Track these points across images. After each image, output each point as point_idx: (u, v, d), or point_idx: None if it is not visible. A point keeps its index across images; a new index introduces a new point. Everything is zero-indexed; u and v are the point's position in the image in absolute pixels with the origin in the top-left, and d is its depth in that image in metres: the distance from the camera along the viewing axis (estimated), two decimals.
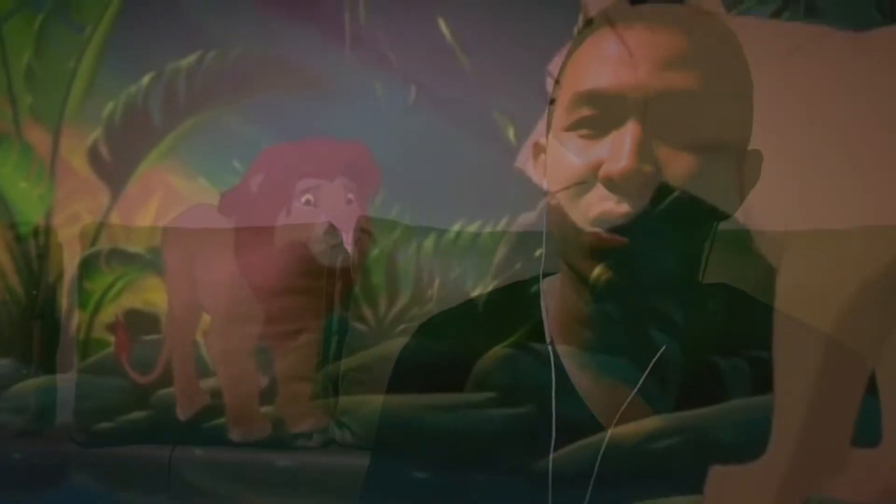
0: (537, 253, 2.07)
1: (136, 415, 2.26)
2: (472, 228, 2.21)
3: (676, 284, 1.76)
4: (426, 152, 2.33)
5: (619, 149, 1.43)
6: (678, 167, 1.47)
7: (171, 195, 2.42)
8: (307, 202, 2.26)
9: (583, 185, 1.50)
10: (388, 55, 2.39)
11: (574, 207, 1.51)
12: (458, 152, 2.33)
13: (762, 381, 1.79)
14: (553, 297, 1.67)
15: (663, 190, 1.62)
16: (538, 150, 1.60)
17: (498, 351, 2.08)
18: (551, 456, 1.75)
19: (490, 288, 2.10)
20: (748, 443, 1.78)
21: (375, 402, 2.13)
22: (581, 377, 1.68)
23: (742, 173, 1.52)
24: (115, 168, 2.51)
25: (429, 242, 2.26)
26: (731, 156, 1.51)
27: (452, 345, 2.12)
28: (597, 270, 1.75)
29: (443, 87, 2.38)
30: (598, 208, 1.48)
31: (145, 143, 2.50)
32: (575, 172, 1.50)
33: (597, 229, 1.50)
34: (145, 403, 2.27)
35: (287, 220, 2.27)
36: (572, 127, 1.50)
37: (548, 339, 1.65)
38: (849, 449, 1.75)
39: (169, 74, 2.50)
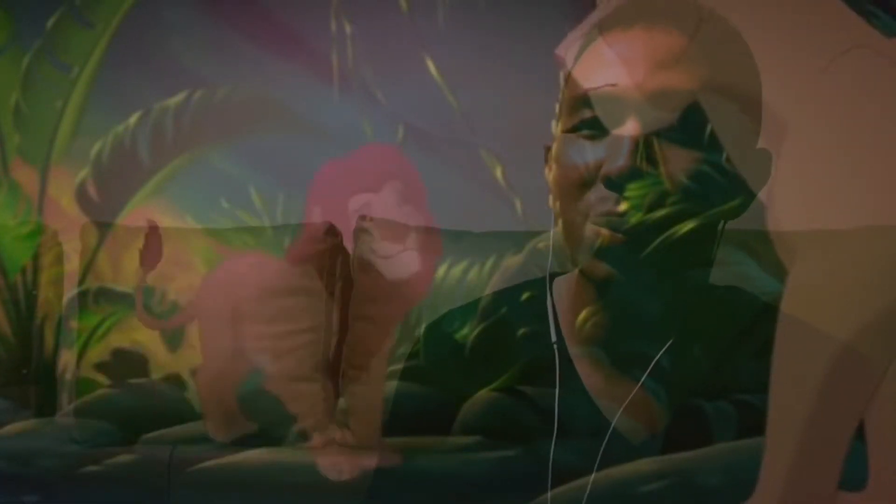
0: (524, 296, 2.08)
1: (124, 458, 2.26)
2: (459, 269, 2.21)
3: (661, 328, 1.77)
4: None
5: (618, 148, 1.44)
6: (677, 165, 1.47)
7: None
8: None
9: (584, 185, 1.52)
10: (376, 94, 2.39)
11: (577, 207, 1.52)
12: (446, 191, 2.33)
13: (748, 424, 1.79)
14: (564, 297, 1.67)
15: (649, 232, 1.62)
16: (547, 152, 1.62)
17: (484, 394, 2.09)
18: (553, 448, 1.75)
19: (476, 331, 2.10)
20: (734, 486, 1.78)
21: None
22: (591, 373, 1.69)
23: (749, 171, 1.53)
24: (102, 207, 2.50)
25: None
26: (734, 153, 1.51)
27: (439, 388, 2.12)
28: (583, 314, 1.76)
29: (431, 126, 2.37)
30: (599, 208, 1.49)
31: (133, 182, 2.49)
32: (577, 173, 1.51)
33: (599, 228, 1.51)
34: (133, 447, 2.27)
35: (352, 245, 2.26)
36: (575, 128, 1.52)
37: (553, 338, 1.66)
38: (836, 492, 1.75)
39: (156, 114, 2.50)
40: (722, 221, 1.60)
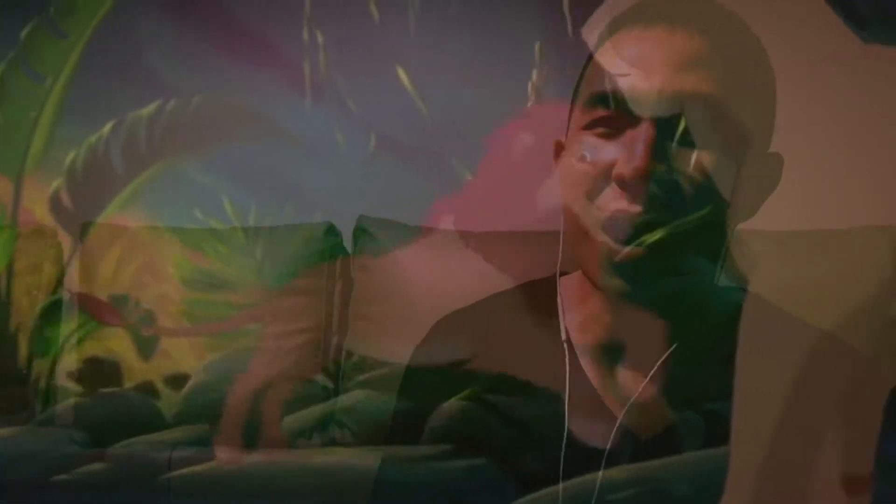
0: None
1: (95, 467, 2.25)
2: None
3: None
4: (387, 201, 2.34)
5: (632, 148, 1.43)
6: (692, 168, 1.46)
7: (133, 243, 2.42)
8: None
9: (597, 183, 1.50)
10: (349, 103, 2.40)
11: (587, 206, 1.50)
12: (418, 200, 2.34)
13: (716, 433, 1.80)
14: (572, 296, 1.66)
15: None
16: (559, 147, 1.60)
17: (453, 403, 2.09)
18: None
19: None
20: (703, 495, 1.78)
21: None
22: (596, 371, 1.68)
23: (760, 176, 1.52)
24: (77, 216, 2.51)
25: None
26: (747, 157, 1.51)
27: (407, 397, 2.12)
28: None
29: (402, 135, 2.39)
30: (611, 208, 1.47)
31: (107, 191, 2.51)
32: (590, 171, 1.50)
33: (610, 241, 1.49)
34: (103, 456, 2.27)
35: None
36: (589, 126, 1.49)
37: (563, 337, 1.64)
38: (805, 501, 1.76)
39: (130, 123, 2.51)
40: (732, 225, 1.59)
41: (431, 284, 2.20)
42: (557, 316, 1.65)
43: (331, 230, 2.34)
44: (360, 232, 2.29)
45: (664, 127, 1.42)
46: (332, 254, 2.32)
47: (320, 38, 2.42)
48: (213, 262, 2.36)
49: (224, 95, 2.48)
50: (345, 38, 2.42)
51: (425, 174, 2.35)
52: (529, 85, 2.22)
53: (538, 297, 1.71)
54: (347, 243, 2.33)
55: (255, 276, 2.33)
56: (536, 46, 2.25)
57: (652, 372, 1.62)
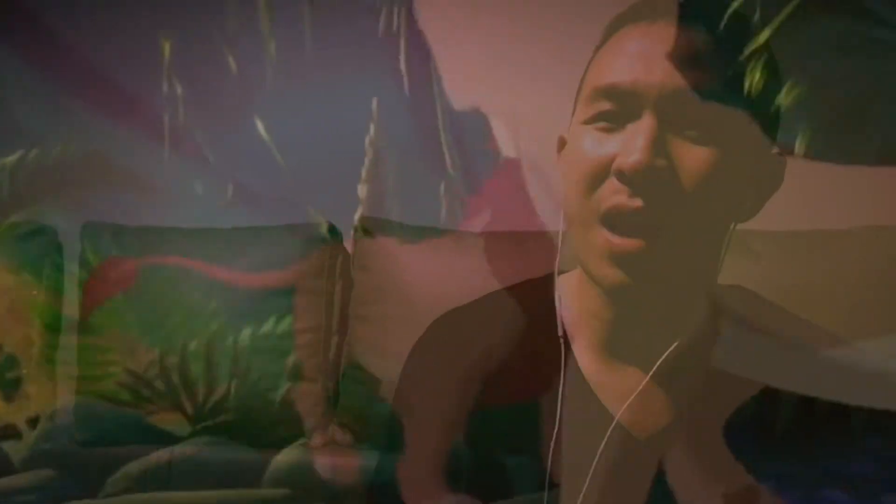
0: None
1: None
2: (285, 325, 2.25)
3: None
4: (242, 249, 2.37)
5: (632, 142, 1.43)
6: (692, 163, 1.46)
7: None
8: None
9: (597, 177, 1.50)
10: (206, 153, 2.43)
11: (587, 200, 1.50)
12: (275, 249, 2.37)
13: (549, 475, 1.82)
14: (570, 293, 1.65)
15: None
16: (561, 143, 1.60)
17: (292, 449, 2.12)
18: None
19: (286, 386, 2.14)
20: None
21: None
22: (593, 369, 1.66)
23: (762, 175, 1.53)
24: None
25: (244, 336, 2.30)
26: (749, 156, 1.51)
27: (248, 442, 2.15)
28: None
29: (259, 184, 2.42)
30: (611, 201, 1.47)
31: None
32: (590, 165, 1.49)
33: (609, 235, 1.49)
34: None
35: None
36: (590, 120, 1.48)
37: (560, 332, 1.62)
38: None
39: None
40: (732, 223, 1.59)
41: (431, 284, 2.22)
42: (555, 313, 1.63)
43: (331, 230, 2.39)
44: (361, 232, 2.34)
45: (665, 122, 1.42)
46: None
47: (179, 90, 2.47)
48: (75, 307, 2.39)
49: (85, 145, 2.51)
50: (203, 90, 2.46)
51: (282, 223, 2.38)
52: (367, 139, 2.28)
53: (536, 294, 1.70)
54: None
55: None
56: (374, 102, 2.30)
57: (654, 369, 1.60)
